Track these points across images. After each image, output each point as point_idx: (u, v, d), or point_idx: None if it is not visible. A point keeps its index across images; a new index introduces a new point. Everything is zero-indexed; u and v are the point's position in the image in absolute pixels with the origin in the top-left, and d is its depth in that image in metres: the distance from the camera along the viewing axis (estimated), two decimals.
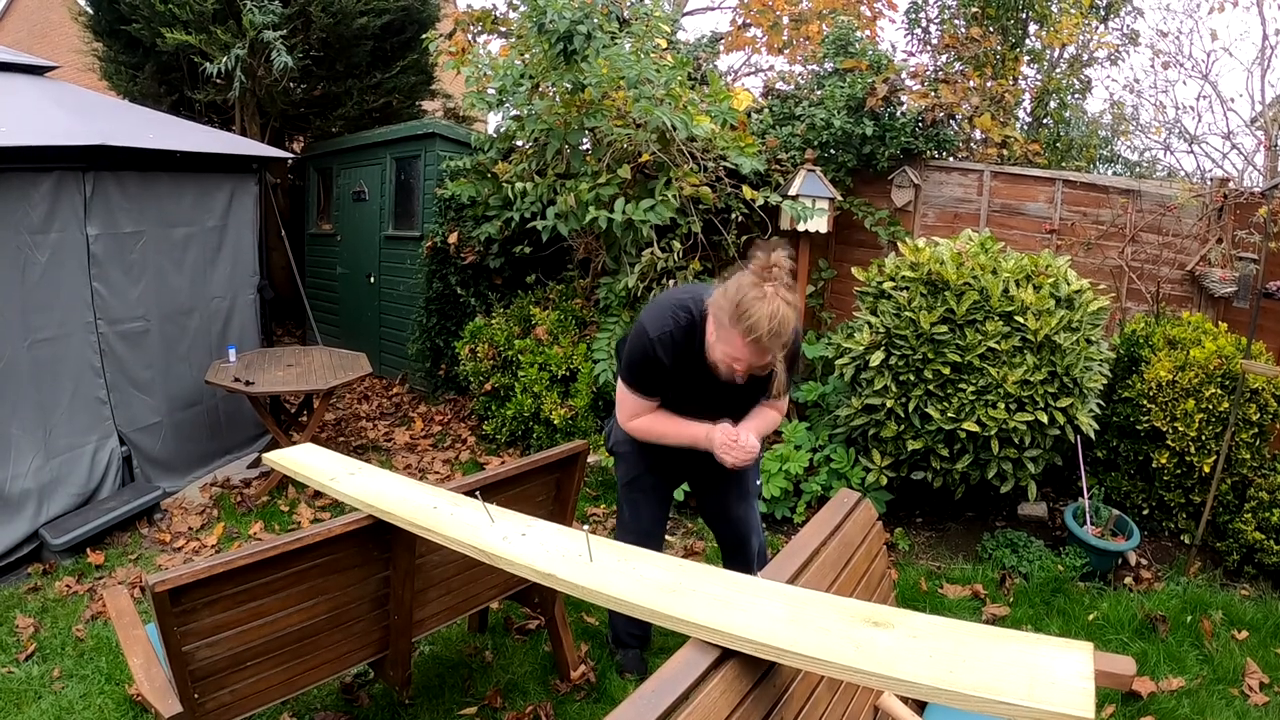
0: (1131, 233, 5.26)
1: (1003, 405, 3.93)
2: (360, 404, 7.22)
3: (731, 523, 3.16)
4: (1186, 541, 4.34)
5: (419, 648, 3.35)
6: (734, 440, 2.59)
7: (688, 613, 1.46)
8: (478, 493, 2.13)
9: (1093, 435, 4.21)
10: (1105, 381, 4.28)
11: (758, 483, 3.20)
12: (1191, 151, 6.16)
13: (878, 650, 1.34)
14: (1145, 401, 4.32)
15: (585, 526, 1.85)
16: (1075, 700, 1.22)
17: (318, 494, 4.96)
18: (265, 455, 2.86)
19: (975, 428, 3.94)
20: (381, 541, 2.35)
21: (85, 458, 4.57)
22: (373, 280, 7.86)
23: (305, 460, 2.69)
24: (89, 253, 4.52)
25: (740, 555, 3.18)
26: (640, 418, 2.76)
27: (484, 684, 3.20)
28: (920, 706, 2.14)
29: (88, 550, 4.24)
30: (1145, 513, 4.51)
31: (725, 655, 1.38)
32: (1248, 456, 4.24)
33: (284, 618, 2.21)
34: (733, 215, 5.29)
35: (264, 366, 5.38)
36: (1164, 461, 4.28)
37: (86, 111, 5.02)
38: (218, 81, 7.61)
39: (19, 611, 3.69)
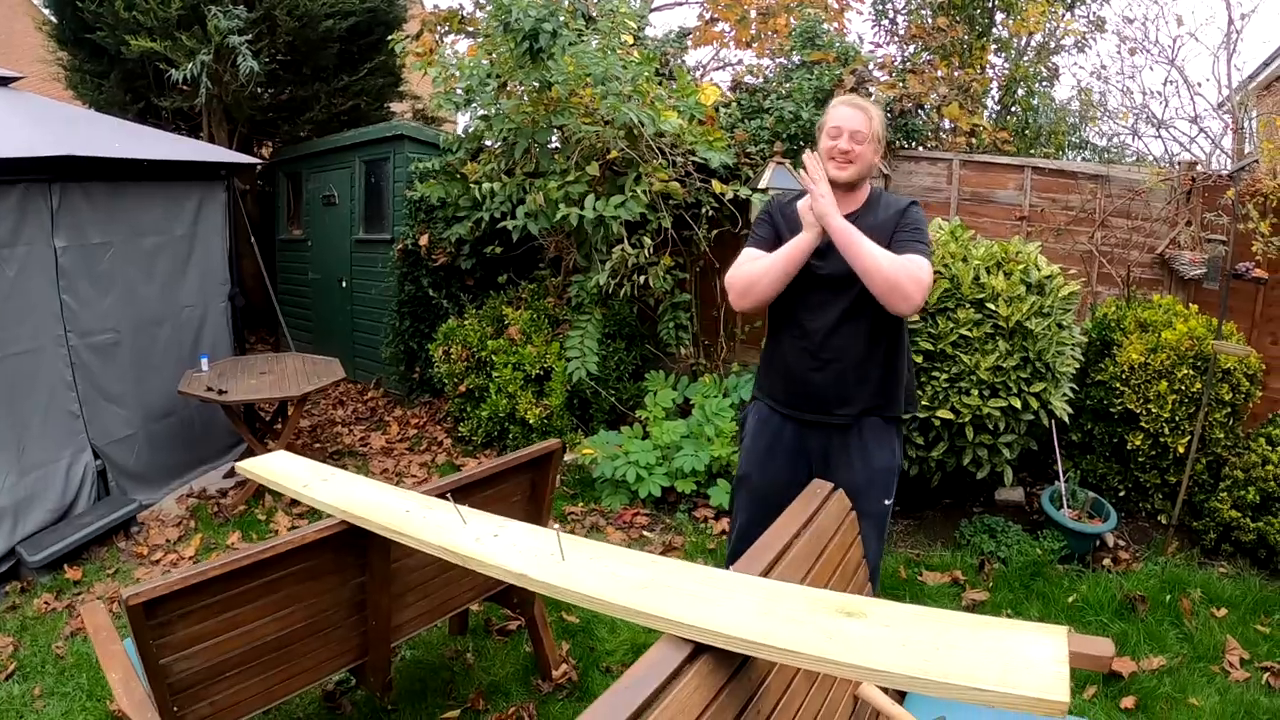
0: (1101, 218, 5.30)
1: (976, 392, 3.95)
2: (335, 409, 7.16)
3: None
4: (1163, 522, 4.39)
5: (400, 652, 3.33)
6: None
7: (661, 609, 1.45)
8: (450, 495, 2.11)
9: (1067, 419, 4.24)
10: (1078, 366, 4.31)
11: (887, 503, 2.73)
12: (1159, 136, 6.22)
13: (851, 640, 1.34)
14: (1118, 384, 4.36)
15: (557, 525, 1.83)
16: (1050, 685, 1.23)
17: (294, 502, 4.91)
18: (239, 464, 2.83)
19: (949, 415, 3.96)
20: (356, 547, 2.33)
21: (59, 473, 4.50)
22: (344, 284, 7.80)
23: (278, 468, 2.67)
24: (57, 265, 4.45)
25: None
26: (747, 264, 2.67)
27: (466, 686, 3.19)
28: (901, 695, 2.15)
29: (65, 566, 4.19)
30: (1121, 494, 4.55)
31: (698, 650, 1.37)
32: (1221, 436, 4.29)
33: (260, 627, 2.19)
34: (703, 210, 5.29)
35: (237, 375, 5.32)
36: (1138, 443, 4.33)
37: (52, 122, 4.95)
38: (184, 88, 7.53)
39: None
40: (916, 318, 3.99)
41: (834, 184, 2.59)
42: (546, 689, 3.17)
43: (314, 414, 6.91)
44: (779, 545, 1.75)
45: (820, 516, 1.96)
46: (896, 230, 2.55)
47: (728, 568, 3.09)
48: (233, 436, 5.75)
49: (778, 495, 2.69)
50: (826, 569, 1.88)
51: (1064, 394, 4.19)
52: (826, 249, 2.54)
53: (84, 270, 4.63)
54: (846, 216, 2.55)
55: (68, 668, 3.35)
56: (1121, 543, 4.33)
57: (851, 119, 2.60)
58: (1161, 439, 4.26)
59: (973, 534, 4.30)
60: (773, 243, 2.67)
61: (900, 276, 2.39)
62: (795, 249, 2.55)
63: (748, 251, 2.71)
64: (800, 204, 2.61)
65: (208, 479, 5.47)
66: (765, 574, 1.63)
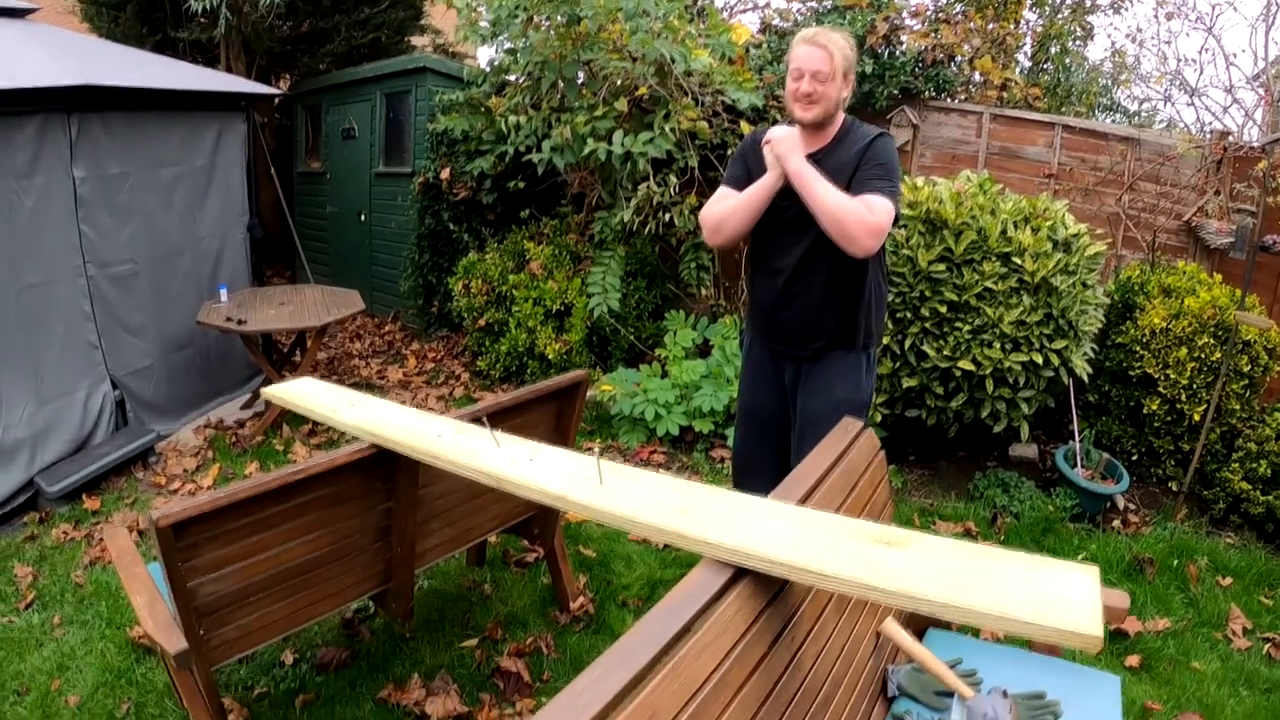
0: (1130, 181, 5.23)
1: (998, 345, 3.93)
2: (353, 342, 7.17)
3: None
4: (1174, 489, 4.39)
5: (418, 582, 3.36)
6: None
7: (702, 532, 1.45)
8: (485, 418, 2.11)
9: (1086, 378, 4.22)
10: (1100, 325, 4.29)
11: None
12: (1192, 104, 6.09)
13: (890, 568, 1.34)
14: (1138, 348, 4.35)
15: (596, 448, 1.83)
16: (1085, 619, 1.23)
17: (312, 432, 4.95)
18: (264, 390, 2.83)
19: (970, 366, 3.95)
20: (384, 472, 2.33)
21: (78, 404, 4.52)
22: (363, 218, 7.74)
23: (305, 393, 2.67)
24: (76, 196, 4.42)
25: None
26: (717, 203, 2.77)
27: (484, 616, 3.23)
28: (919, 635, 2.17)
29: (83, 496, 4.22)
30: (1134, 458, 4.55)
31: (739, 573, 1.38)
32: (1237, 407, 4.28)
33: (287, 551, 2.20)
34: (728, 152, 5.20)
35: (256, 305, 5.31)
36: (1155, 408, 4.32)
37: (70, 52, 4.87)
38: (202, 20, 7.40)
39: (17, 561, 3.66)
40: (942, 267, 3.96)
41: (800, 125, 2.64)
42: (564, 620, 3.21)
43: (331, 347, 6.93)
44: (814, 477, 1.75)
45: (852, 452, 1.97)
46: (859, 167, 2.56)
47: (735, 486, 3.15)
48: (250, 368, 5.77)
49: (763, 417, 3.01)
50: (857, 503, 1.89)
51: (1085, 353, 4.17)
52: (792, 190, 2.57)
53: (103, 201, 4.60)
54: (815, 154, 2.61)
55: (87, 596, 3.39)
56: (1131, 506, 4.33)
57: (811, 58, 2.56)
58: (1178, 405, 4.25)
59: (986, 487, 4.31)
60: (743, 181, 2.73)
61: (848, 221, 2.43)
62: (758, 191, 2.63)
63: (720, 189, 2.81)
64: (763, 144, 2.66)
65: (225, 410, 5.50)
66: (801, 504, 1.64)
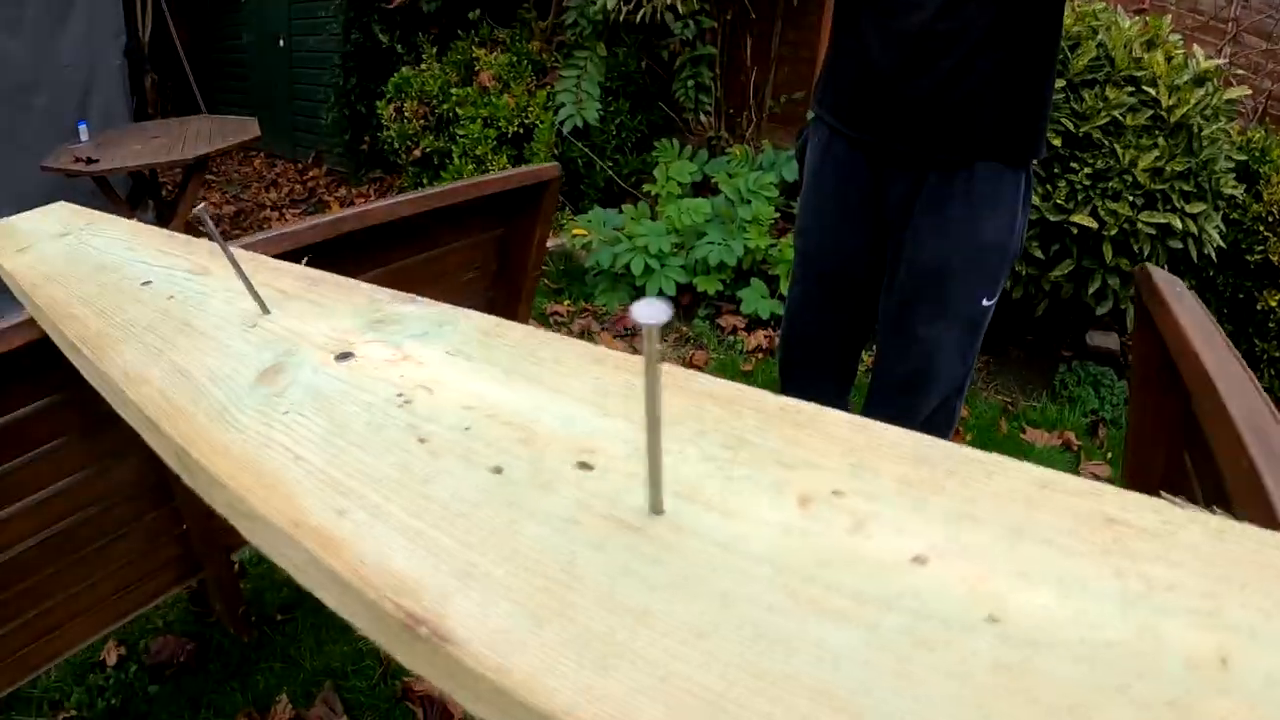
0: (1234, 31, 4.13)
1: (1129, 198, 2.77)
2: (267, 192, 5.87)
3: (905, 346, 1.66)
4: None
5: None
6: None
7: None
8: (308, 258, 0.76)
9: (1214, 255, 3.12)
10: (1238, 191, 3.18)
11: (987, 303, 1.59)
12: None
13: None
14: (1262, 228, 3.27)
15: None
16: None
17: None
18: None
19: (1089, 222, 2.78)
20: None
21: None
22: (282, 43, 6.38)
23: (22, 225, 1.31)
24: None
25: (896, 407, 1.69)
26: None
27: None
28: None
29: None
30: None
31: None
32: None
33: None
34: None
35: (123, 143, 4.08)
36: (1274, 304, 3.28)
37: None
38: None
39: None
40: (1059, 84, 2.79)
41: None
42: None
43: (242, 198, 5.67)
44: None
45: None
46: None
47: (780, 374, 1.93)
48: None
49: (842, 265, 1.71)
50: None
51: (1218, 225, 3.05)
52: None
53: None
54: None
55: None
56: None
57: None
58: None
59: (1075, 385, 3.27)
60: None
61: None
62: None
63: None
64: None
65: None
66: None
